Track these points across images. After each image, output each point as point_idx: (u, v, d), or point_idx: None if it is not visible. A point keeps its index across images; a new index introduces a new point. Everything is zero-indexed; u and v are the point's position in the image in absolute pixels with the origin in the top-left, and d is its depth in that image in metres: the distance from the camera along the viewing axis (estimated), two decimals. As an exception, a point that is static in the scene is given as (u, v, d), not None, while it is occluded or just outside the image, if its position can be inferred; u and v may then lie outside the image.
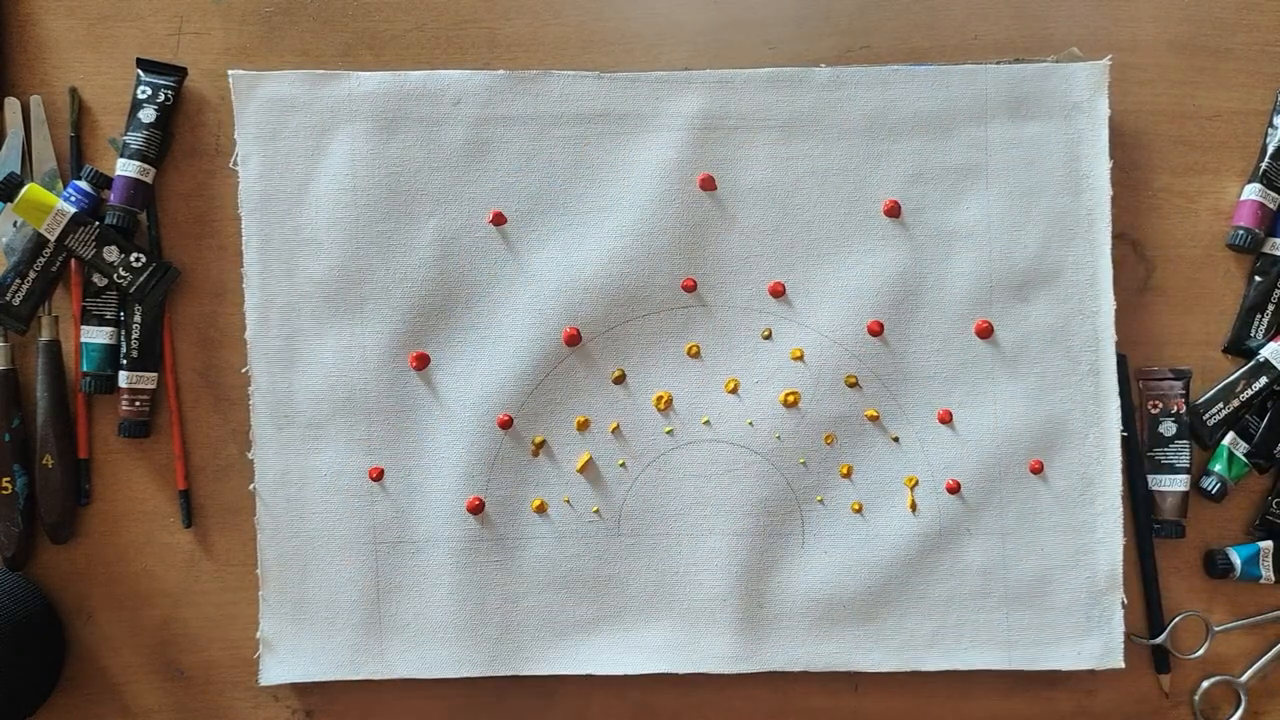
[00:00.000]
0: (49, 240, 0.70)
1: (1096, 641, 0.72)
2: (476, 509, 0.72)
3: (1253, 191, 0.73)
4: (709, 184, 0.72)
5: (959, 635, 0.72)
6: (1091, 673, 0.73)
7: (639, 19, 0.74)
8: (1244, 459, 0.73)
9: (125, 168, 0.71)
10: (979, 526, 0.72)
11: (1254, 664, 0.74)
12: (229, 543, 0.73)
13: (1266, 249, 0.74)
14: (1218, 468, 0.74)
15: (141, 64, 0.72)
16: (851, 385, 0.72)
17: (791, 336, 0.73)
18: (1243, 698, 0.74)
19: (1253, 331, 0.74)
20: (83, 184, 0.71)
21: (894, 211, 0.72)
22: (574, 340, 0.72)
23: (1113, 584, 0.72)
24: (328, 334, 0.72)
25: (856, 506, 0.73)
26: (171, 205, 0.73)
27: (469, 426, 0.72)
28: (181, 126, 0.73)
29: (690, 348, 0.73)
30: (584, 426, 0.72)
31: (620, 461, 0.73)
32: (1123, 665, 0.72)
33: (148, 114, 0.71)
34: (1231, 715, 0.74)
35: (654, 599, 0.72)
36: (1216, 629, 0.74)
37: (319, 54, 0.74)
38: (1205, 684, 0.74)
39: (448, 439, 0.72)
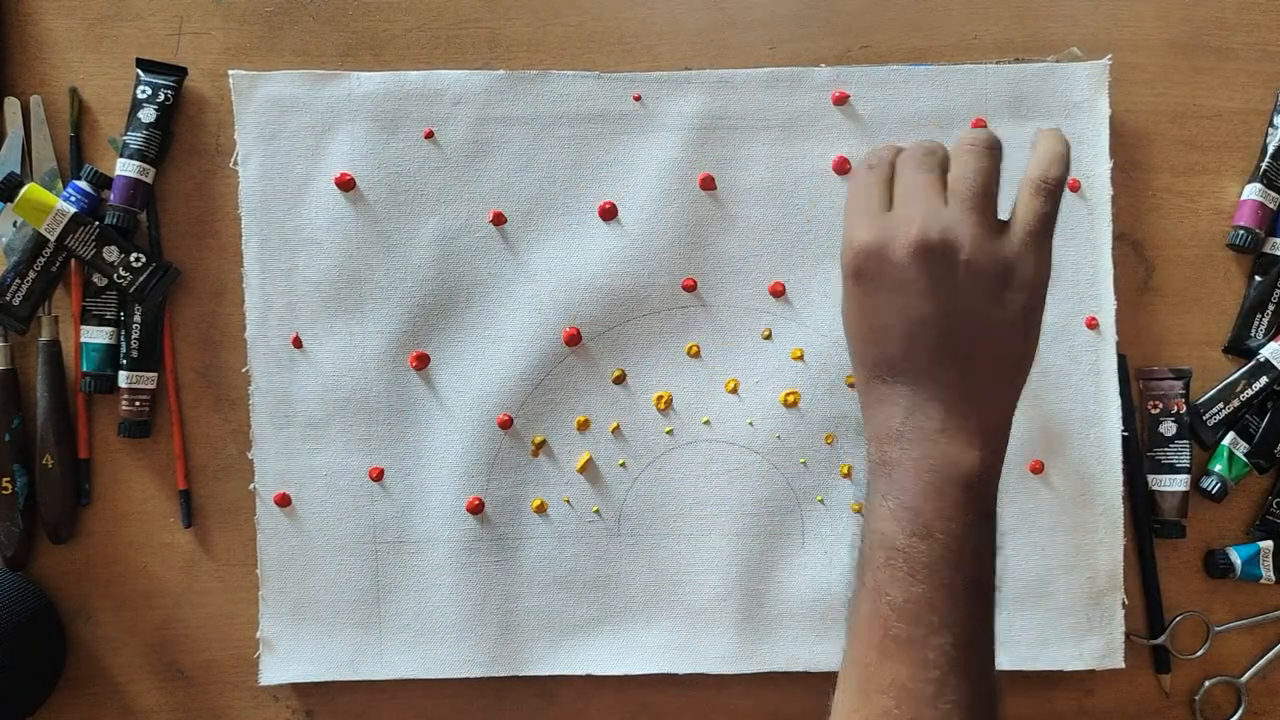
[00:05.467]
0: (49, 240, 0.70)
1: (1097, 641, 0.72)
2: (476, 509, 0.72)
3: (1253, 191, 0.73)
4: (709, 184, 0.72)
5: (959, 635, 0.72)
6: (1091, 672, 0.73)
7: (639, 19, 0.74)
8: (1244, 459, 0.73)
9: (125, 168, 0.71)
10: (979, 526, 0.72)
11: (1254, 664, 0.74)
12: (229, 543, 0.73)
13: (1266, 249, 0.74)
14: (1218, 468, 0.74)
15: (141, 64, 0.72)
16: (851, 385, 0.72)
17: (791, 336, 0.73)
18: (1243, 698, 0.74)
19: (1253, 331, 0.74)
20: (83, 184, 0.71)
21: (894, 211, 0.72)
22: (574, 340, 0.72)
23: (1113, 584, 0.72)
24: (328, 334, 0.72)
25: (857, 507, 0.73)
26: (171, 205, 0.73)
27: (469, 426, 0.72)
28: (181, 126, 0.73)
29: (690, 348, 0.73)
30: (584, 426, 0.72)
31: (620, 461, 0.73)
32: (1123, 665, 0.72)
33: (148, 114, 0.71)
34: (1231, 715, 0.74)
35: (654, 599, 0.72)
36: (1216, 629, 0.74)
37: (319, 54, 0.74)
38: (1205, 684, 0.74)
39: (448, 439, 0.72)
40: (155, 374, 0.73)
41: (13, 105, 0.73)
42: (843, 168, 0.72)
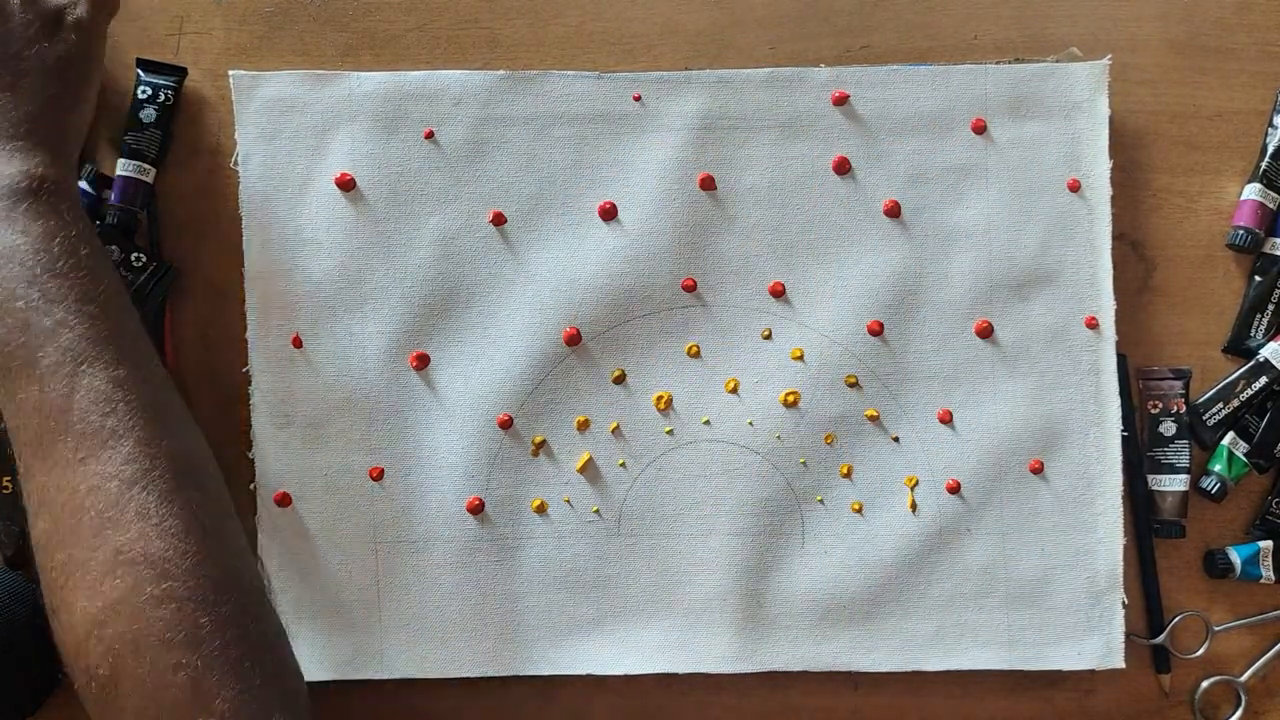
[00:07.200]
0: (49, 240, 0.70)
1: (1097, 641, 0.72)
2: (476, 509, 0.72)
3: (1253, 191, 0.73)
4: (709, 184, 0.72)
5: (959, 635, 0.72)
6: (1091, 673, 0.73)
7: (639, 19, 0.74)
8: (1244, 459, 0.73)
9: (125, 168, 0.71)
10: (979, 526, 0.72)
11: (1254, 664, 0.74)
12: (229, 543, 0.73)
13: (1266, 249, 0.74)
14: (1218, 468, 0.74)
15: (141, 64, 0.72)
16: (851, 385, 0.73)
17: (791, 336, 0.73)
18: (1243, 698, 0.74)
19: (1253, 331, 0.74)
20: (83, 184, 0.71)
21: (894, 211, 0.72)
22: (574, 340, 0.72)
23: (1113, 584, 0.72)
24: (328, 334, 0.72)
25: (856, 506, 0.73)
26: (171, 205, 0.73)
27: (469, 426, 0.72)
28: (182, 126, 0.73)
29: (690, 348, 0.73)
30: (584, 426, 0.73)
31: (620, 461, 0.73)
32: (1123, 665, 0.72)
33: (148, 114, 0.71)
34: (1231, 715, 0.74)
35: (654, 599, 0.72)
36: (1216, 629, 0.74)
37: (319, 54, 0.74)
38: (1205, 684, 0.74)
39: (448, 439, 0.72)
40: (155, 374, 0.72)
41: (13, 105, 0.73)
42: (843, 168, 0.72)
